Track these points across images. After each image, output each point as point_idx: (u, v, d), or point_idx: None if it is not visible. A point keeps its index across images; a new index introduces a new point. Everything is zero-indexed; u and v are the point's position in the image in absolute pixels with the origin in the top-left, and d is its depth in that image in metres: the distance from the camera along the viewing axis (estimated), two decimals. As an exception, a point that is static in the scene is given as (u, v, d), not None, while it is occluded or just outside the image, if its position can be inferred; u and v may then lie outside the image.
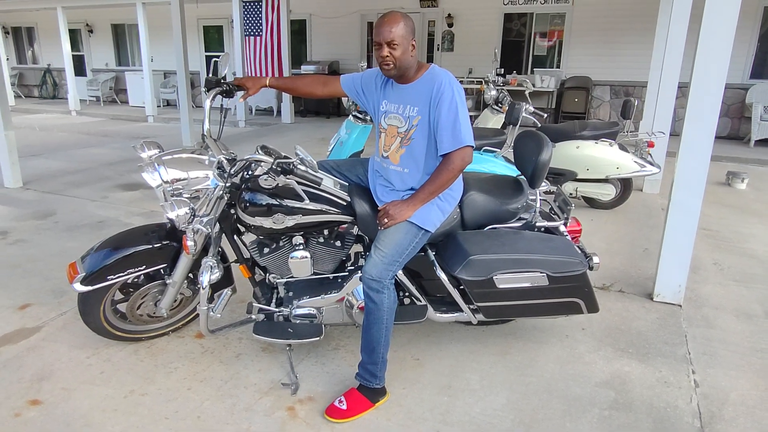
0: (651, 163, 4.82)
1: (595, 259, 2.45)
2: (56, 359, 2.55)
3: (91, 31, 15.09)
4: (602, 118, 10.38)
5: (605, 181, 4.90)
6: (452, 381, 2.43)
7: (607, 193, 4.96)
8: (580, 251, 2.44)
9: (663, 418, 2.21)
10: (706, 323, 2.99)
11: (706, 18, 2.81)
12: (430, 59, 11.52)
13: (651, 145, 5.00)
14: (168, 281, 2.50)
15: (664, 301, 3.20)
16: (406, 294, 2.55)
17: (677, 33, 5.35)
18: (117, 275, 2.39)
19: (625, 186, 5.03)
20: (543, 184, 2.61)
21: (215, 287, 2.50)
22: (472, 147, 2.16)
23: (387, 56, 2.10)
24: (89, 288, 2.35)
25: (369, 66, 2.21)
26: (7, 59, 15.20)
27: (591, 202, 5.13)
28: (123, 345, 2.65)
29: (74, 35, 14.65)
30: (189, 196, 2.42)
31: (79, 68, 14.55)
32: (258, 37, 10.63)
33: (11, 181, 5.73)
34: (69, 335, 2.75)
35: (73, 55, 13.11)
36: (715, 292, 3.39)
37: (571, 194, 4.97)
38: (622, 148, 4.88)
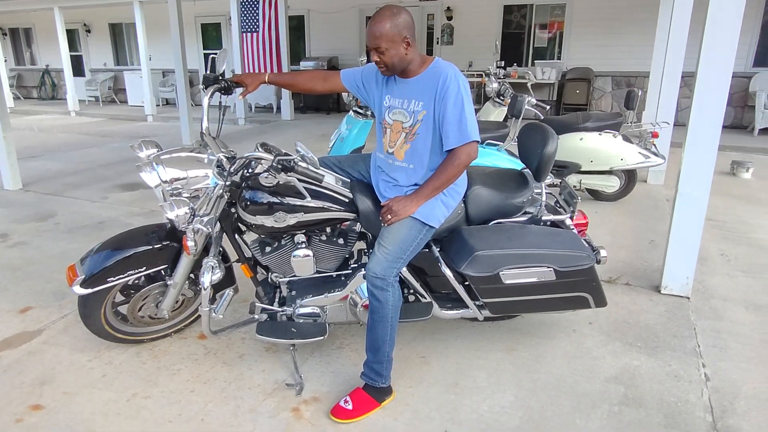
0: (655, 154, 4.77)
1: (603, 253, 2.41)
2: (57, 363, 2.52)
3: (88, 31, 15.04)
4: (604, 110, 10.32)
5: (609, 172, 4.85)
6: (459, 379, 2.39)
7: (612, 184, 4.91)
8: (587, 245, 2.40)
9: (674, 412, 2.17)
10: (715, 315, 2.95)
11: (712, 6, 2.75)
12: (429, 53, 11.46)
13: (655, 135, 4.94)
14: (169, 282, 2.47)
15: (672, 293, 3.16)
16: (411, 291, 2.51)
17: (680, 21, 5.29)
18: (117, 277, 2.35)
19: (630, 177, 4.98)
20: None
21: (217, 287, 2.47)
22: (478, 142, 2.12)
23: (378, 61, 2.09)
24: (89, 291, 2.31)
25: (369, 60, 2.16)
26: (5, 60, 15.14)
27: (595, 195, 5.08)
28: (125, 347, 2.62)
29: (72, 35, 14.60)
30: (188, 195, 2.38)
31: (78, 68, 14.53)
32: (255, 33, 10.57)
33: (11, 183, 5.70)
34: (70, 338, 2.72)
35: (71, 56, 13.08)
36: (723, 284, 3.35)
37: (575, 186, 4.92)
38: (626, 139, 4.82)
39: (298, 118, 11.38)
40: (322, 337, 2.38)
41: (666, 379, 2.38)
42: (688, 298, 3.12)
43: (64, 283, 2.82)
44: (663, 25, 6.10)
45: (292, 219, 2.25)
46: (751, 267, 3.60)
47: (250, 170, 2.27)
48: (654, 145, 4.92)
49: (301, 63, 11.68)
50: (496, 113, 5.28)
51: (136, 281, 2.50)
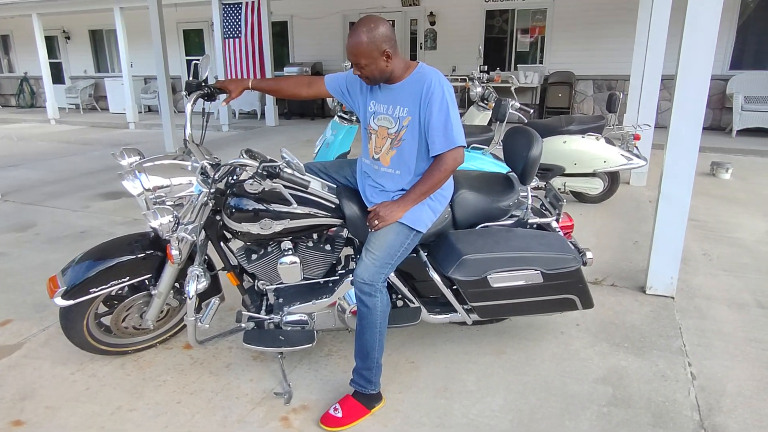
0: (637, 156, 4.84)
1: (589, 255, 2.43)
2: (39, 377, 2.46)
3: (68, 38, 14.84)
4: (586, 113, 10.45)
5: (593, 175, 4.90)
6: (448, 383, 2.39)
7: (595, 187, 4.96)
8: (573, 247, 2.41)
9: (662, 412, 2.19)
10: (700, 314, 2.99)
11: (691, 9, 2.80)
12: (413, 58, 11.49)
13: (637, 137, 5.01)
14: (153, 292, 2.43)
15: (657, 293, 3.19)
16: (399, 296, 2.50)
17: (659, 25, 5.38)
18: (100, 288, 2.31)
19: (613, 179, 5.04)
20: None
21: (202, 296, 2.43)
22: (464, 147, 2.12)
23: (359, 74, 2.09)
24: (71, 302, 2.26)
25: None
26: (-18, 68, 14.89)
27: (579, 197, 5.13)
28: (109, 359, 2.57)
29: (51, 42, 14.38)
30: (172, 203, 2.35)
31: (57, 76, 14.31)
32: (237, 39, 10.51)
33: (-11, 193, 5.59)
34: (52, 351, 2.66)
35: (50, 63, 12.89)
36: (706, 283, 3.39)
37: (559, 189, 4.97)
38: (609, 141, 4.88)
39: (283, 124, 11.34)
40: (310, 345, 2.35)
41: (653, 379, 2.40)
42: (673, 297, 3.16)
43: (44, 294, 2.76)
44: (642, 29, 6.21)
45: (278, 226, 2.23)
46: (733, 266, 3.65)
47: (234, 177, 2.25)
48: (636, 147, 4.98)
49: (284, 69, 11.64)
50: (480, 117, 5.31)
51: (120, 291, 2.45)
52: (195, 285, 2.16)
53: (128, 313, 2.49)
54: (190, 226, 2.12)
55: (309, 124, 11.34)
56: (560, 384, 2.38)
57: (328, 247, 2.41)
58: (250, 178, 2.07)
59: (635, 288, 3.30)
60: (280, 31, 12.50)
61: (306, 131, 10.13)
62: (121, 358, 2.58)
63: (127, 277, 2.37)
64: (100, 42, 14.64)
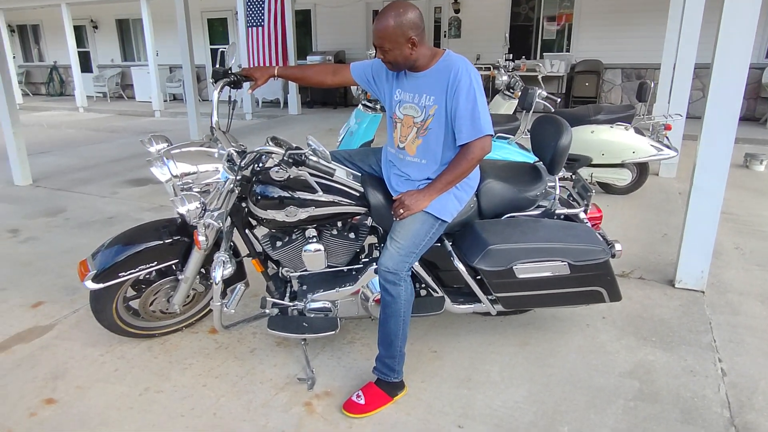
0: (668, 147, 4.71)
1: (618, 247, 2.38)
2: (70, 357, 2.53)
3: (96, 27, 15.08)
4: (614, 102, 10.22)
5: (621, 165, 4.79)
6: (472, 374, 2.37)
7: (623, 178, 4.85)
8: (601, 239, 2.36)
9: (691, 408, 2.14)
10: (731, 310, 2.91)
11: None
12: (437, 46, 11.37)
13: (668, 128, 4.88)
14: (180, 277, 2.47)
15: (687, 287, 3.12)
16: (423, 285, 2.49)
17: (693, 11, 5.20)
18: (128, 272, 2.35)
19: (641, 170, 4.92)
20: (559, 170, 2.53)
21: (228, 282, 2.46)
22: (492, 136, 2.09)
23: (383, 58, 2.07)
24: (101, 285, 2.32)
25: (377, 54, 2.13)
26: (14, 57, 15.21)
27: (606, 188, 5.02)
28: (136, 342, 2.62)
29: (79, 32, 14.64)
30: (199, 190, 2.37)
31: (85, 64, 14.58)
32: (260, 28, 10.53)
33: (21, 179, 5.73)
34: (82, 333, 2.73)
35: (78, 52, 13.13)
36: (738, 278, 3.30)
37: (586, 180, 4.87)
38: (638, 131, 4.77)
39: (305, 113, 11.37)
40: (333, 332, 2.36)
41: (682, 374, 2.35)
42: (703, 292, 3.08)
43: (75, 278, 2.83)
44: (674, 16, 6.02)
45: (303, 213, 2.23)
46: (766, 261, 3.54)
47: (260, 164, 2.25)
48: (666, 137, 4.86)
49: (307, 57, 11.65)
50: (505, 106, 5.23)
51: (147, 276, 2.49)
52: (221, 271, 2.17)
53: (156, 297, 2.54)
54: (216, 213, 2.14)
55: (331, 112, 11.34)
56: (586, 377, 2.34)
57: (352, 235, 2.41)
58: (275, 165, 2.07)
59: (664, 281, 3.23)
60: (303, 20, 12.49)
61: (328, 120, 10.14)
62: (149, 341, 2.63)
63: (155, 262, 2.41)
64: (126, 31, 14.86)
